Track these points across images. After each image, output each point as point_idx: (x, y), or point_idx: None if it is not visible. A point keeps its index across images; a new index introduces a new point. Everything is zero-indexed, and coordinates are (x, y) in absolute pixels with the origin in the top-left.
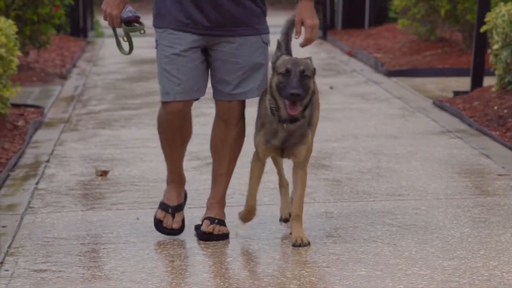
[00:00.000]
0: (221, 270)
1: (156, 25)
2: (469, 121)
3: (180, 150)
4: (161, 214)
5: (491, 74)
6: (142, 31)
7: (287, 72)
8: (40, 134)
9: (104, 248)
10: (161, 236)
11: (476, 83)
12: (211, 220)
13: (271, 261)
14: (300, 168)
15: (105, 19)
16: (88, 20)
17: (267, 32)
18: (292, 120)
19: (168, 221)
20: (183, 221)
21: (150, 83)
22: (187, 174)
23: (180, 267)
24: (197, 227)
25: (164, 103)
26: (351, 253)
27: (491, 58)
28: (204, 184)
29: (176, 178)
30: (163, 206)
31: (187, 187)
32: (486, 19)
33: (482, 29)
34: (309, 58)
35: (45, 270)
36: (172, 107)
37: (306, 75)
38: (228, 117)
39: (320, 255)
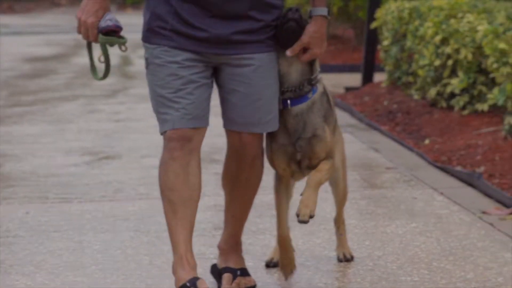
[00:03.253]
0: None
1: (147, 41)
2: (360, 116)
3: (185, 204)
4: None
5: (382, 70)
6: (123, 47)
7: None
8: None
9: None
10: (50, 230)
11: (367, 79)
12: (233, 272)
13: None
14: (327, 159)
15: (79, 32)
16: None
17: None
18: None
19: None
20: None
21: (44, 80)
22: (78, 169)
23: (68, 260)
24: (215, 271)
25: (166, 136)
26: None
27: (381, 54)
28: (94, 179)
29: (182, 252)
30: None
31: (78, 181)
32: (376, 16)
33: (372, 26)
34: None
35: None
36: (175, 133)
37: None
38: (242, 151)
39: (208, 247)
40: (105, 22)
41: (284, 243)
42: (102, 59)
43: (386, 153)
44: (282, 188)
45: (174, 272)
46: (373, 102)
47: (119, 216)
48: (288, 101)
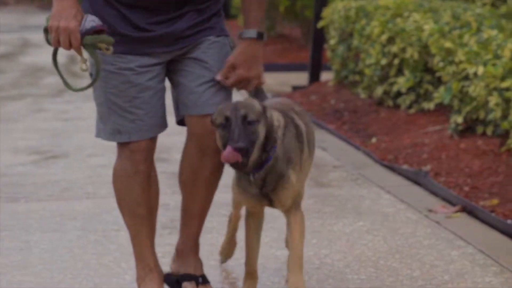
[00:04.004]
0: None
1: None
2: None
3: (150, 216)
4: None
5: (329, 69)
6: (107, 49)
7: (227, 121)
8: None
9: None
10: None
11: (314, 78)
12: (195, 279)
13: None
14: (293, 209)
15: (56, 42)
16: None
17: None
18: (258, 165)
19: None
20: None
21: None
22: (25, 168)
23: (15, 260)
24: (171, 280)
25: (121, 146)
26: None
27: (328, 54)
28: (41, 178)
29: (151, 264)
30: None
31: (25, 180)
32: (323, 15)
33: (319, 25)
34: (257, 91)
35: None
36: (135, 146)
37: (250, 121)
38: (204, 141)
39: (156, 246)
40: (89, 24)
41: (251, 278)
42: (84, 67)
43: (333, 151)
44: (251, 222)
45: (141, 282)
46: (320, 101)
47: (66, 215)
48: (251, 177)
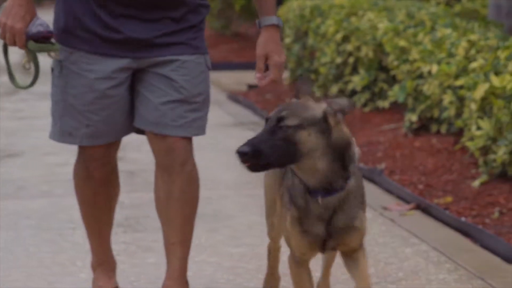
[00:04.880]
0: None
1: (64, 44)
2: (262, 113)
3: (104, 215)
4: None
5: (284, 67)
6: (53, 54)
7: (266, 121)
8: None
9: None
10: None
11: None
12: None
13: None
14: (360, 247)
15: (3, 37)
16: None
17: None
18: (328, 189)
19: None
20: None
21: None
22: None
23: None
24: None
25: (81, 149)
26: (141, 242)
27: (284, 52)
28: None
29: (103, 258)
30: None
31: None
32: (278, 14)
33: None
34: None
35: None
36: (89, 151)
37: (285, 125)
38: (166, 160)
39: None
40: (36, 28)
41: None
42: (28, 66)
43: None
44: (300, 274)
45: (93, 271)
46: (276, 100)
47: (21, 214)
48: (319, 197)
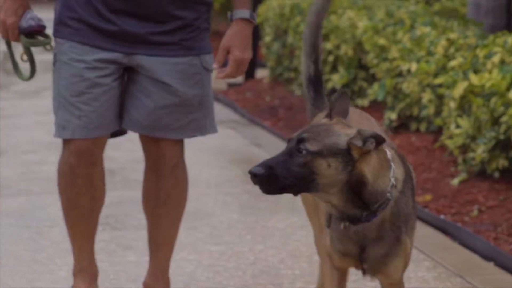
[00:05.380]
0: None
1: (57, 35)
2: (242, 112)
3: (88, 218)
4: None
5: (264, 66)
6: (48, 47)
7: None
8: None
9: None
10: None
11: (249, 75)
12: None
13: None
14: (400, 283)
15: None
16: None
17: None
18: (353, 219)
19: None
20: None
21: None
22: None
23: None
24: None
25: (64, 142)
26: (120, 240)
27: (263, 51)
28: None
29: (84, 264)
30: None
31: None
32: (257, 12)
33: None
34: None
35: None
36: (76, 146)
37: (305, 148)
38: (159, 163)
39: None
40: (27, 22)
41: None
42: (25, 57)
43: (268, 148)
44: (334, 277)
45: (74, 277)
46: (255, 98)
47: (0, 211)
48: (344, 223)
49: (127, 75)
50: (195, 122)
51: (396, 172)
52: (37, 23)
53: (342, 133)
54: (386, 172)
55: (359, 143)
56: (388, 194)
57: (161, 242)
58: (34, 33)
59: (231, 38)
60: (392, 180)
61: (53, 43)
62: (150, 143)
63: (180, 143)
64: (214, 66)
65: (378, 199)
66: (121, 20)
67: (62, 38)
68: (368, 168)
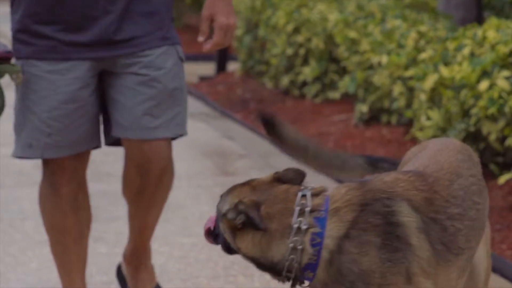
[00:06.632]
0: None
1: (21, 43)
2: (213, 105)
3: (76, 247)
4: None
5: (235, 59)
6: (14, 76)
7: None
8: None
9: None
10: None
11: (221, 68)
12: None
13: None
14: None
15: None
16: None
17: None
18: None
19: None
20: None
21: None
22: None
23: None
24: (122, 278)
25: (43, 166)
26: (92, 232)
27: (235, 44)
28: None
29: None
30: None
31: None
32: None
33: None
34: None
35: None
36: (60, 165)
37: (217, 207)
38: (144, 167)
39: None
40: None
41: None
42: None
43: (239, 140)
44: None
45: None
46: (227, 91)
47: None
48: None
49: (105, 81)
50: (178, 117)
51: (329, 228)
52: (3, 49)
53: (231, 196)
54: (280, 241)
55: (231, 215)
56: (292, 258)
57: (143, 226)
58: (3, 59)
59: (212, 5)
60: (292, 245)
61: (20, 75)
62: (133, 149)
63: (168, 143)
64: (200, 38)
65: (279, 266)
66: (88, 25)
67: (27, 59)
68: (244, 244)
